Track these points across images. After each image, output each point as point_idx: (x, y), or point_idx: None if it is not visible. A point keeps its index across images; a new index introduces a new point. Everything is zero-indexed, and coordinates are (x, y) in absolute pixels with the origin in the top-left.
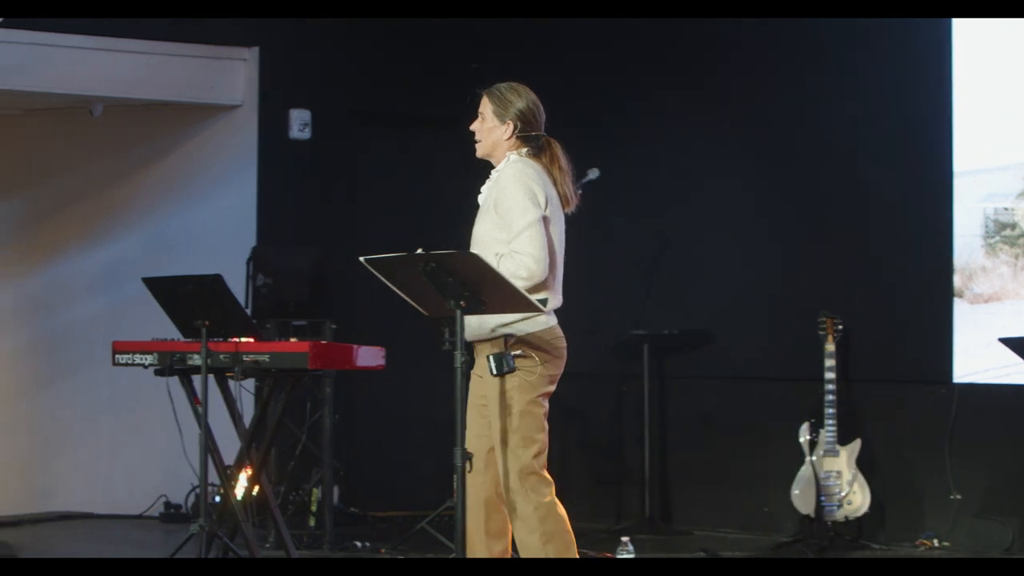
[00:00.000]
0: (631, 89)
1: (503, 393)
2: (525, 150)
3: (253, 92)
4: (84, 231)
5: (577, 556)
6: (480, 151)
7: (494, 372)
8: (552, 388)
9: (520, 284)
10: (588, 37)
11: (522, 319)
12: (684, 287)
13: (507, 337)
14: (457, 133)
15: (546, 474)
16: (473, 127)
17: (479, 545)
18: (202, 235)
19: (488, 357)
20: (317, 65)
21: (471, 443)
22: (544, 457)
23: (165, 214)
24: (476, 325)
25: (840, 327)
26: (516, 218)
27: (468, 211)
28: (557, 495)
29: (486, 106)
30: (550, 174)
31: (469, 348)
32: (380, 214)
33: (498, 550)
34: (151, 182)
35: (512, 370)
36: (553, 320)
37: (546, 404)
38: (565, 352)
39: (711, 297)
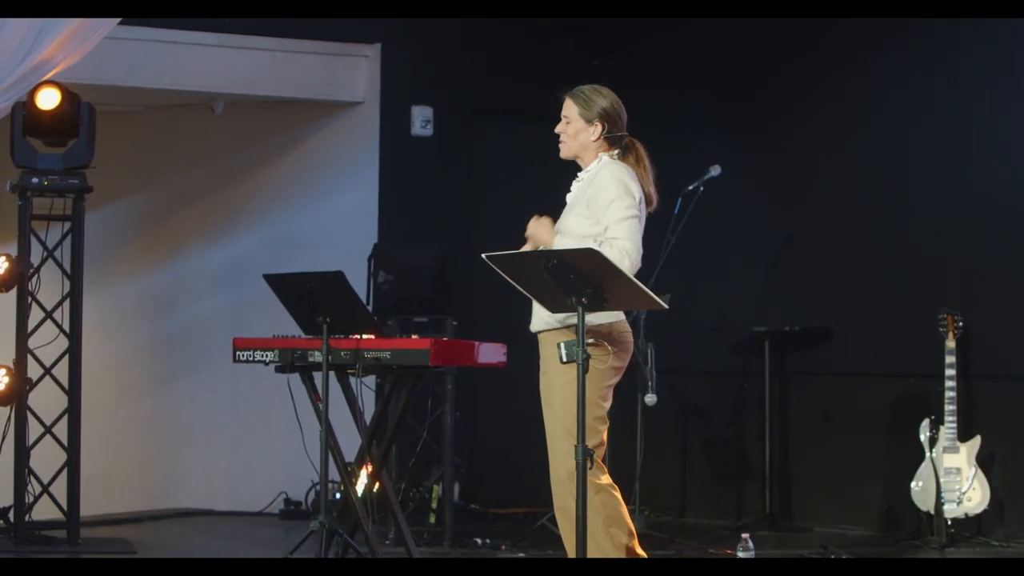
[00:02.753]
0: (757, 86)
1: (571, 382)
2: (616, 152)
3: (375, 89)
4: (206, 228)
5: (636, 539)
6: (566, 152)
7: (564, 359)
8: (616, 380)
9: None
10: (710, 33)
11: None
12: (805, 284)
13: (575, 327)
14: None
15: (601, 462)
16: (559, 129)
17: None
18: (324, 232)
19: (560, 344)
20: (438, 62)
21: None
22: (603, 449)
23: (287, 211)
24: (546, 314)
25: (960, 324)
26: (615, 211)
27: None
28: (680, 491)
29: (571, 108)
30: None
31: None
32: (502, 211)
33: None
34: (272, 179)
35: (587, 357)
36: (622, 314)
37: (610, 397)
38: (632, 346)
39: (832, 294)
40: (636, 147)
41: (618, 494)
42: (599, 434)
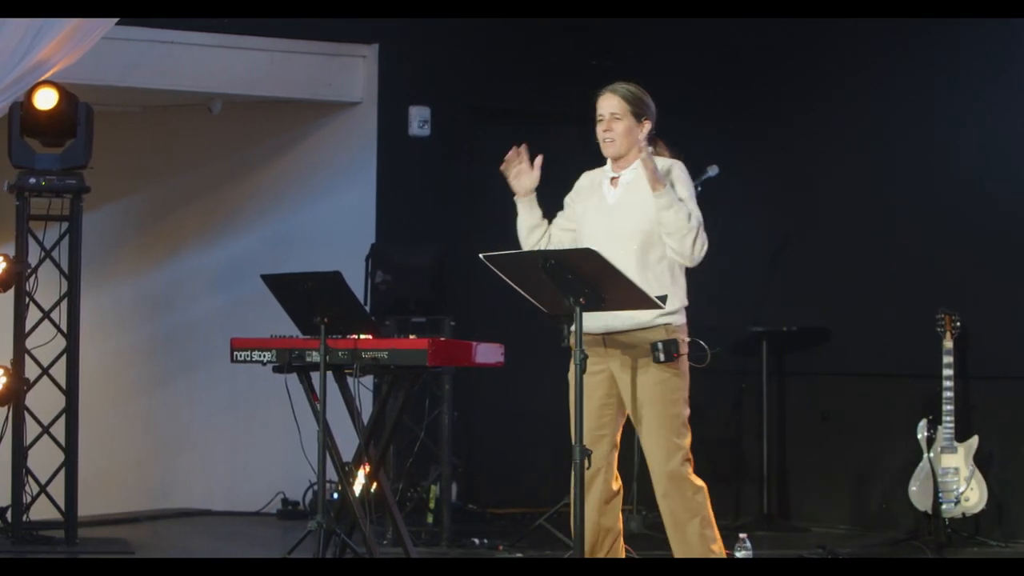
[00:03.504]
0: (755, 86)
1: (667, 380)
2: (651, 148)
3: (372, 89)
4: (203, 228)
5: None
6: (615, 150)
7: (662, 359)
8: None
9: (703, 249)
10: (709, 33)
11: (679, 309)
12: (803, 284)
13: (667, 326)
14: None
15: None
16: (605, 127)
17: (599, 544)
18: (321, 232)
19: (657, 344)
20: (436, 62)
21: (592, 442)
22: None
23: (284, 211)
24: (629, 314)
25: (958, 324)
26: (693, 208)
27: None
28: None
29: (621, 106)
30: None
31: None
32: (499, 211)
33: (609, 544)
34: (270, 179)
35: (679, 357)
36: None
37: None
38: None
39: (830, 294)
40: (660, 144)
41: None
42: (689, 430)
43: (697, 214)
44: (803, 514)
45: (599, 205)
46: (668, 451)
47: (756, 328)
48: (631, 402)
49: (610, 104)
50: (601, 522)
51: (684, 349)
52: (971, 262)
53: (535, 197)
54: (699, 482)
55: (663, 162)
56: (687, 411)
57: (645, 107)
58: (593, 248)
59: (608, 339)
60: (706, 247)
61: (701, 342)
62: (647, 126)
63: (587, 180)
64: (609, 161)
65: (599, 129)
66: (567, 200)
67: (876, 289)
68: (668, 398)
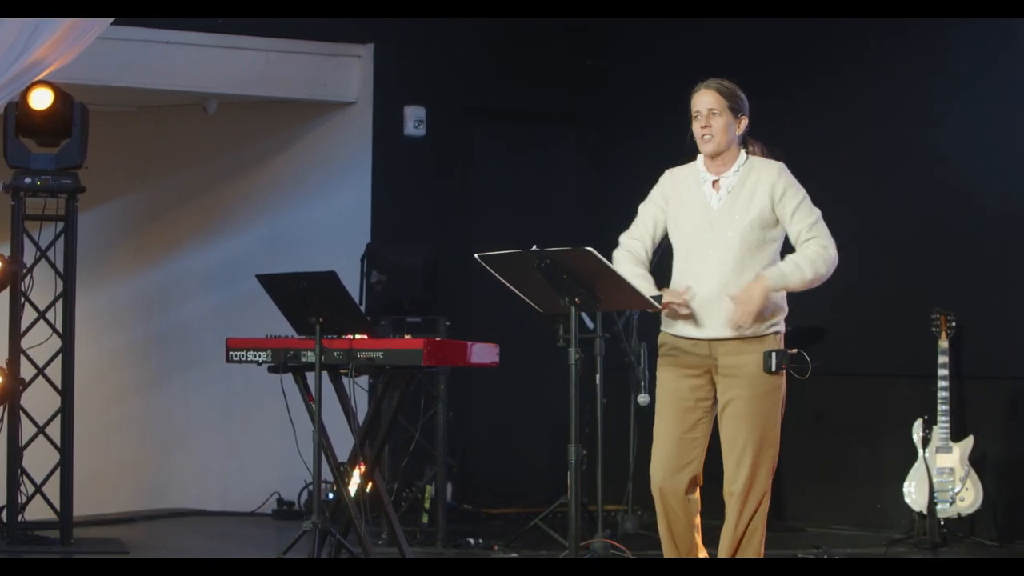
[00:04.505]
0: (749, 86)
1: (772, 392)
2: (744, 149)
3: (368, 89)
4: (198, 228)
5: None
6: (714, 147)
7: (773, 369)
8: None
9: (831, 269)
10: (703, 33)
11: (783, 316)
12: None
13: (776, 335)
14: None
15: None
16: (703, 123)
17: (695, 544)
18: (316, 232)
19: (771, 353)
20: (432, 62)
21: (668, 444)
22: None
23: (279, 211)
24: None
25: (953, 324)
26: (809, 212)
27: (583, 207)
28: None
29: (719, 102)
30: None
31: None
32: (495, 211)
33: (699, 541)
34: (265, 179)
35: (580, 358)
36: None
37: None
38: None
39: (825, 294)
40: (753, 144)
41: None
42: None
43: (822, 242)
44: (798, 514)
45: (703, 208)
46: (758, 465)
47: None
48: (731, 410)
49: (707, 100)
50: (694, 521)
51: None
52: (966, 262)
53: None
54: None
55: (761, 164)
56: (781, 421)
57: (741, 102)
58: (590, 249)
59: (720, 344)
60: (833, 258)
61: (804, 354)
62: (744, 122)
63: (675, 178)
64: (701, 159)
65: (696, 126)
66: (654, 196)
67: (871, 289)
68: (771, 410)
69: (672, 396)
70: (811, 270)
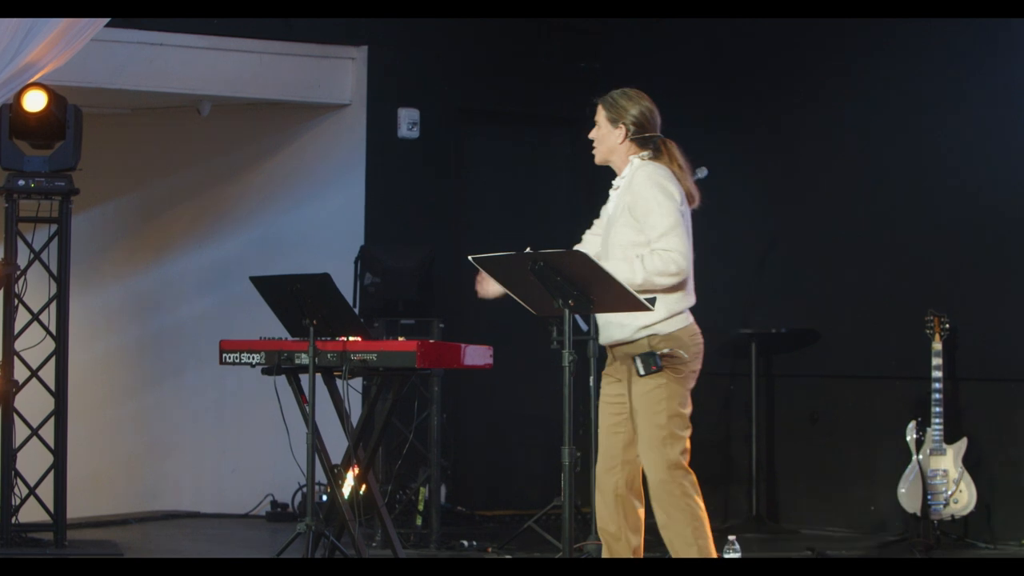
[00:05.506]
0: (744, 88)
1: (649, 392)
2: (645, 153)
3: (361, 91)
4: (192, 230)
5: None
6: (598, 158)
7: (641, 372)
8: (693, 384)
9: (668, 281)
10: (697, 34)
11: (664, 318)
12: (792, 286)
13: (651, 337)
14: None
15: (690, 469)
16: (592, 135)
17: (622, 541)
18: (310, 234)
19: (635, 358)
20: (425, 64)
21: (604, 440)
22: (688, 455)
23: (273, 213)
24: (617, 328)
25: (947, 325)
26: (658, 219)
27: (576, 209)
28: None
29: (600, 114)
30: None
31: (601, 351)
32: (488, 213)
33: (636, 544)
34: (259, 181)
35: (660, 369)
36: (690, 318)
37: (690, 402)
38: (703, 349)
39: (819, 295)
40: (668, 147)
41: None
42: (682, 440)
43: (666, 255)
44: (792, 516)
45: (606, 214)
46: (655, 462)
47: (745, 330)
48: (630, 412)
49: (596, 111)
50: (627, 522)
51: (670, 359)
52: (960, 264)
53: None
54: (691, 490)
55: (642, 168)
56: (681, 419)
57: (620, 111)
58: (583, 251)
59: (611, 350)
60: (665, 273)
61: (682, 352)
62: (623, 131)
63: None
64: None
65: None
66: None
67: (865, 291)
68: (652, 409)
69: (602, 400)
70: (641, 274)
